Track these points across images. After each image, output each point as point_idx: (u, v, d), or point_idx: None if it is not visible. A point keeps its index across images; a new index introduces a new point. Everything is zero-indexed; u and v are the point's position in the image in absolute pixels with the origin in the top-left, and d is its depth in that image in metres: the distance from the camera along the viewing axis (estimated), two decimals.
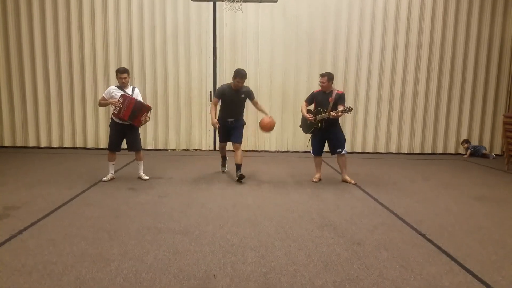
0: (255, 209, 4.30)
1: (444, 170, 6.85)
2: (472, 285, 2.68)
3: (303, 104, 5.68)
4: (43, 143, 8.47)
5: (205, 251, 3.12)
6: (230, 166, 6.22)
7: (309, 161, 6.35)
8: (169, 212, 4.12)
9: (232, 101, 5.59)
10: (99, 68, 8.24)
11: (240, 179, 5.53)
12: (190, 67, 8.29)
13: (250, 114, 7.32)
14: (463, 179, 6.15)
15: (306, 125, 5.67)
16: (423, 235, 3.58)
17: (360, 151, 8.58)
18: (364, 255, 3.12)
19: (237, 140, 5.67)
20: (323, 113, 5.35)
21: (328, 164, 6.91)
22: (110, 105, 5.33)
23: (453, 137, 8.65)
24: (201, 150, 8.53)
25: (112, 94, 5.32)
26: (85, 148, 8.44)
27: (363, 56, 8.32)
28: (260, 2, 7.35)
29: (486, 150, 8.43)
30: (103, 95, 5.44)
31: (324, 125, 5.44)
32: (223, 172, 6.15)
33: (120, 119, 5.29)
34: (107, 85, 7.95)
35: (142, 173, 5.68)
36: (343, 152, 5.54)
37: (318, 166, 5.76)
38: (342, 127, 5.78)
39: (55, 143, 8.47)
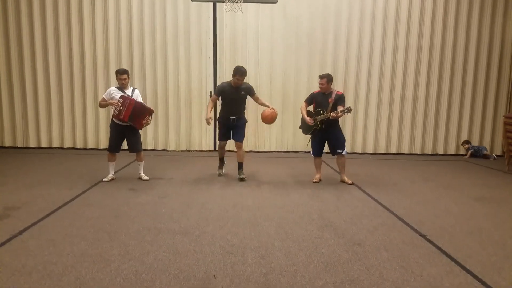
0: (255, 209, 4.30)
1: (445, 171, 6.85)
2: (473, 286, 2.67)
3: (303, 104, 5.68)
4: (44, 144, 8.47)
5: (205, 252, 3.12)
6: (227, 169, 6.23)
7: (309, 162, 6.35)
8: (169, 213, 4.12)
9: (232, 99, 5.60)
10: (99, 68, 8.25)
11: (242, 180, 5.63)
12: (190, 68, 8.30)
13: (250, 113, 7.32)
14: (463, 180, 6.14)
15: (305, 126, 5.67)
16: (424, 236, 3.58)
17: (360, 151, 8.57)
18: (364, 256, 3.11)
19: (239, 138, 5.70)
20: (323, 114, 5.35)
21: (328, 165, 6.91)
22: (110, 106, 5.33)
23: (454, 137, 8.65)
24: (201, 151, 8.53)
25: (112, 95, 5.33)
26: (85, 149, 8.44)
27: (363, 57, 8.32)
28: (260, 2, 7.36)
29: (487, 150, 8.42)
30: (103, 96, 5.44)
31: (323, 126, 5.44)
32: (220, 175, 6.03)
33: (120, 120, 5.29)
34: (107, 85, 7.96)
35: (142, 174, 5.68)
36: (343, 153, 5.54)
37: (318, 167, 5.76)
38: (342, 128, 5.79)
39: (55, 144, 8.47)
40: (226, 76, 8.08)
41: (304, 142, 6.79)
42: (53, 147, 8.46)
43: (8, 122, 8.42)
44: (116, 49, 8.21)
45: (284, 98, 8.40)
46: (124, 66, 7.91)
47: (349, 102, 7.69)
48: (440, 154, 8.64)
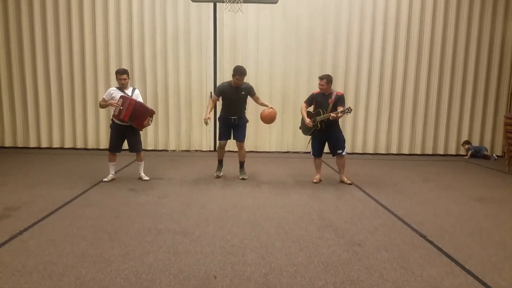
0: (255, 210, 4.30)
1: (445, 171, 6.85)
2: (473, 286, 2.67)
3: (303, 105, 5.69)
4: (44, 144, 8.47)
5: (205, 252, 3.12)
6: (227, 169, 6.22)
7: (309, 162, 6.35)
8: (169, 213, 4.12)
9: (232, 99, 5.60)
10: (99, 69, 8.25)
11: (243, 179, 5.68)
12: (190, 68, 8.30)
13: (250, 113, 7.30)
14: (464, 180, 6.14)
15: (305, 127, 5.67)
16: (424, 236, 3.58)
17: (360, 151, 8.57)
18: (364, 256, 3.11)
19: (241, 138, 5.71)
20: (323, 115, 5.35)
21: (328, 165, 6.91)
22: (110, 106, 5.34)
23: (454, 138, 8.64)
24: (201, 151, 8.53)
25: (112, 95, 5.33)
26: (86, 149, 8.44)
27: (363, 57, 8.31)
28: (260, 2, 7.35)
29: (487, 151, 8.41)
30: (103, 96, 5.45)
31: (323, 126, 5.44)
32: (218, 177, 5.91)
33: (120, 120, 5.29)
34: (107, 86, 7.96)
35: (142, 174, 5.68)
36: (343, 153, 5.54)
37: (318, 167, 5.77)
38: (342, 128, 5.79)
39: (55, 144, 8.47)
40: (226, 76, 8.08)
41: (304, 142, 6.79)
42: (53, 147, 8.46)
43: (9, 122, 8.42)
44: (116, 50, 8.21)
45: (284, 98, 8.40)
46: (125, 66, 7.91)
47: (349, 103, 7.70)
48: (441, 155, 8.64)
